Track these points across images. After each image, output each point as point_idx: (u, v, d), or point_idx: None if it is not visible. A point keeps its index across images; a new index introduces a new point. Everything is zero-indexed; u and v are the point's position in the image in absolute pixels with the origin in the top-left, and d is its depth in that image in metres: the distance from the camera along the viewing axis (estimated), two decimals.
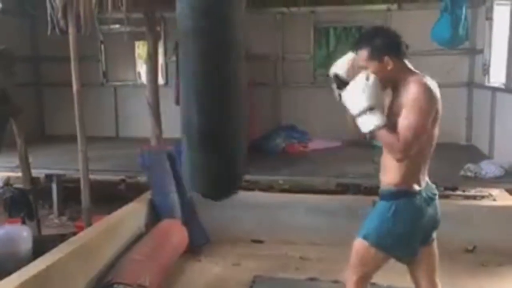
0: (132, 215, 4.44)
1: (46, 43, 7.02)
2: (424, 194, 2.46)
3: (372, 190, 4.30)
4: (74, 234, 4.04)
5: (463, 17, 5.67)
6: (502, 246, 4.45)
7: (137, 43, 8.29)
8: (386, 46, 2.41)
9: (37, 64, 8.46)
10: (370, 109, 2.28)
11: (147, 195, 4.78)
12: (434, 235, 2.59)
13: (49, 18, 4.21)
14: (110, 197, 5.69)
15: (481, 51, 6.72)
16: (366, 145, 5.07)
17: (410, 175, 2.42)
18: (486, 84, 6.55)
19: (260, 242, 4.88)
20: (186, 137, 2.70)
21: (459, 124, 7.28)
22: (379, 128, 2.28)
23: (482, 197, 6.04)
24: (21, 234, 4.08)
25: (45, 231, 4.86)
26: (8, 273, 2.93)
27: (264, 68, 7.64)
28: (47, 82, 8.33)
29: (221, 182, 2.75)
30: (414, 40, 7.34)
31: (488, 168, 5.07)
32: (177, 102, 5.52)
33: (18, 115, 4.55)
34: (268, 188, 6.16)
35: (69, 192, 5.97)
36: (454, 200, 5.79)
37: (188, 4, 2.49)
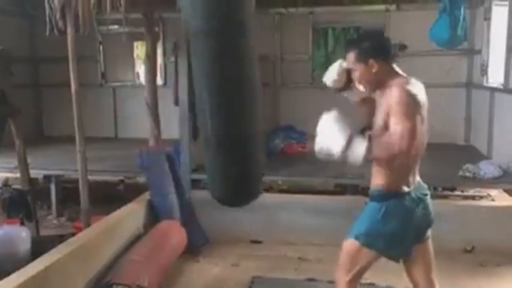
0: (131, 215, 4.43)
1: (45, 44, 7.01)
2: (413, 195, 2.48)
3: None
4: (73, 234, 4.03)
5: (461, 17, 5.67)
6: (501, 246, 4.46)
7: (135, 44, 8.29)
8: (372, 49, 2.46)
9: (36, 64, 8.46)
10: (349, 141, 2.28)
11: (146, 196, 4.77)
12: (429, 233, 2.61)
13: (47, 19, 4.21)
14: (108, 197, 5.67)
15: (479, 52, 6.73)
16: None
17: (399, 177, 2.45)
18: (485, 84, 6.57)
19: (259, 242, 4.88)
20: (204, 141, 2.61)
21: (458, 125, 7.30)
22: (368, 151, 2.27)
23: (481, 197, 6.04)
24: (20, 235, 4.07)
25: (44, 232, 4.86)
26: (7, 274, 2.92)
27: (263, 69, 7.51)
28: (46, 83, 8.33)
29: (239, 188, 2.67)
30: (413, 41, 7.41)
31: (487, 169, 5.08)
32: (176, 103, 5.52)
33: (16, 115, 4.55)
34: (267, 188, 6.16)
35: (68, 192, 5.96)
36: (453, 200, 5.79)
37: (199, 5, 2.43)
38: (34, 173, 5.22)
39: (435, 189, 5.78)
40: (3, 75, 4.41)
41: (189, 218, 4.73)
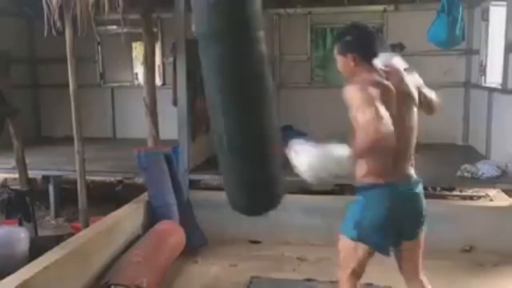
0: (129, 216, 4.43)
1: (43, 44, 7.01)
2: (398, 188, 2.48)
3: None
4: (71, 235, 4.03)
5: (459, 18, 5.67)
6: (499, 246, 4.46)
7: (134, 44, 8.27)
8: (353, 44, 2.53)
9: (34, 65, 8.46)
10: (329, 154, 2.28)
11: (144, 196, 4.77)
12: (422, 231, 2.62)
13: (46, 20, 4.21)
14: (107, 198, 5.68)
15: (477, 52, 6.74)
16: None
17: (378, 168, 2.46)
18: (483, 84, 6.58)
19: (258, 242, 4.89)
20: (218, 148, 2.51)
21: (456, 124, 7.31)
22: (350, 152, 2.25)
23: (479, 197, 6.06)
24: (18, 235, 4.07)
25: (42, 233, 4.87)
26: (5, 274, 2.92)
27: None
28: (44, 83, 8.32)
29: (256, 197, 2.61)
30: (411, 41, 7.42)
31: (485, 169, 5.08)
32: (175, 103, 5.52)
33: (15, 116, 4.56)
34: None
35: (66, 193, 5.94)
36: (451, 200, 5.80)
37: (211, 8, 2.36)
38: (32, 173, 5.23)
39: (433, 189, 5.80)
40: (2, 76, 4.42)
41: (187, 219, 4.73)
